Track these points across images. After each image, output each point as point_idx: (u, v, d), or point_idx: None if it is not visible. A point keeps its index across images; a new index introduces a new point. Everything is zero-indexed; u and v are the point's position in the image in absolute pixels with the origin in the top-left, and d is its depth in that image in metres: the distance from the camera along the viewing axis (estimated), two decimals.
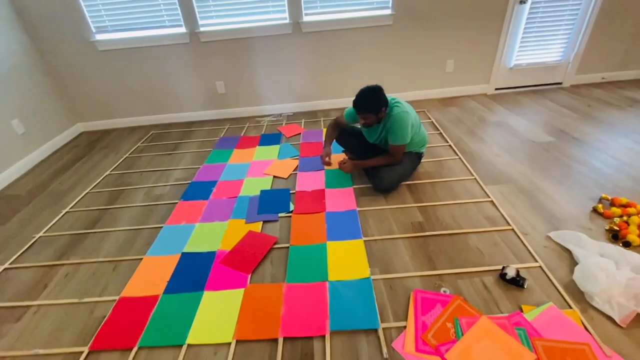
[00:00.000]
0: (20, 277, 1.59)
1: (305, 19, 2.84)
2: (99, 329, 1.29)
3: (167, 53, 2.93)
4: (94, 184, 2.32)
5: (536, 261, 1.43)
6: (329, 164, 2.05)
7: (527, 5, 2.92)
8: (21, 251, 1.74)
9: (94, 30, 2.78)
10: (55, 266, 1.64)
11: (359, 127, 2.05)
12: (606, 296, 1.22)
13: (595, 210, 1.69)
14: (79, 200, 2.15)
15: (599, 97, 3.04)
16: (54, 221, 1.96)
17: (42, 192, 2.29)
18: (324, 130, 2.82)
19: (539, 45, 3.13)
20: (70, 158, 2.76)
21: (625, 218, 1.59)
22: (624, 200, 1.69)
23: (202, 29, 2.82)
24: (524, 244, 1.52)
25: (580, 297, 1.27)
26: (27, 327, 1.34)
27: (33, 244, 1.80)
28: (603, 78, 3.34)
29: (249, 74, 3.09)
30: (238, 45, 2.93)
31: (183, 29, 2.81)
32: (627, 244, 1.46)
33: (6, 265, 1.66)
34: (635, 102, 2.90)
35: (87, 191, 2.24)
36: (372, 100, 1.75)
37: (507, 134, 2.55)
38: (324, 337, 1.19)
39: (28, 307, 1.43)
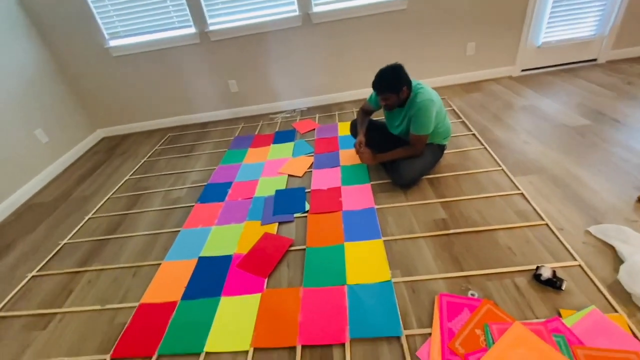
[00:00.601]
0: (47, 284, 1.64)
1: (315, 9, 2.74)
2: (120, 336, 1.30)
3: (178, 54, 2.92)
4: (114, 189, 2.36)
5: (575, 259, 1.30)
6: (360, 152, 1.94)
7: None
8: (47, 258, 1.80)
9: (107, 36, 2.81)
10: (79, 273, 1.67)
11: (382, 119, 1.96)
12: None
13: None
14: (100, 206, 2.20)
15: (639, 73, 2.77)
16: (77, 228, 2.01)
17: (67, 199, 2.36)
18: (339, 124, 2.73)
19: (569, 19, 2.88)
20: (91, 164, 2.83)
21: None
22: None
23: (211, 27, 2.78)
24: (560, 241, 1.39)
25: (627, 299, 1.14)
26: (52, 335, 1.37)
27: (59, 251, 1.86)
28: None
29: (260, 70, 3.04)
30: (248, 42, 2.88)
31: (193, 29, 2.79)
32: None
33: (34, 273, 1.71)
34: None
35: (108, 196, 2.28)
36: (391, 79, 1.66)
37: (536, 118, 2.37)
38: (343, 345, 1.14)
39: (54, 314, 1.46)
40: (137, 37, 2.83)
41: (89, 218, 2.09)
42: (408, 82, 1.68)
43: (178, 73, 3.03)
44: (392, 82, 1.66)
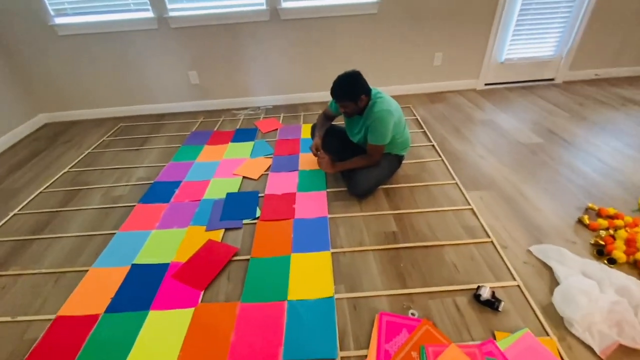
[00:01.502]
0: None
1: (284, 4, 2.64)
2: (28, 354, 1.15)
3: (134, 39, 2.71)
4: (49, 182, 2.14)
5: (514, 279, 1.32)
6: (317, 156, 1.90)
7: None
8: None
9: (52, 13, 2.55)
10: None
11: (343, 125, 1.91)
12: (587, 323, 1.11)
13: (580, 221, 1.58)
14: (30, 201, 1.98)
15: (591, 95, 2.92)
16: None
17: None
18: (303, 126, 2.66)
19: (531, 38, 2.98)
20: (28, 152, 2.56)
21: (611, 232, 1.48)
22: (612, 211, 1.58)
23: (171, 13, 2.60)
24: (503, 259, 1.40)
25: (559, 322, 1.16)
26: None
27: None
28: (596, 75, 3.21)
29: (224, 63, 2.89)
30: (211, 32, 2.72)
31: (150, 14, 2.59)
32: (612, 261, 1.35)
33: None
34: (628, 101, 2.78)
35: (40, 190, 2.06)
36: (349, 87, 1.61)
37: (494, 133, 2.42)
38: None
39: None
40: (87, 17, 2.59)
41: (14, 214, 1.88)
42: (366, 90, 1.64)
43: (133, 59, 2.81)
44: (350, 90, 1.61)
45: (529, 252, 1.44)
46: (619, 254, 1.35)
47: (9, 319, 1.29)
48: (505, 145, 2.26)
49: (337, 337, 1.14)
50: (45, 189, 2.08)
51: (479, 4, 2.76)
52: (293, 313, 1.22)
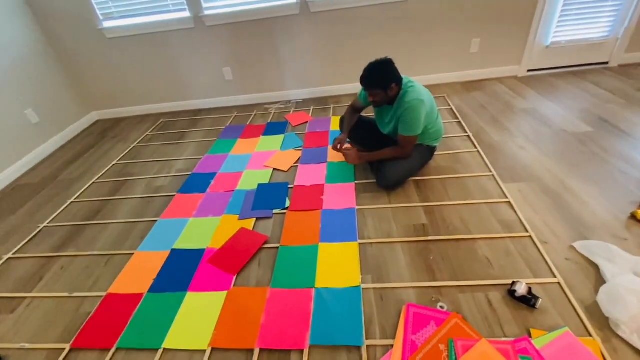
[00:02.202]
0: (21, 268, 1.63)
1: None
2: (82, 326, 1.29)
3: (173, 39, 2.86)
4: (100, 173, 2.35)
5: (554, 276, 1.24)
6: (339, 150, 1.89)
7: None
8: (25, 241, 1.79)
9: (100, 17, 2.76)
10: (53, 258, 1.66)
11: (372, 115, 1.89)
12: (635, 325, 1.03)
13: (634, 216, 1.44)
14: (84, 191, 2.18)
15: None
16: (58, 211, 2.00)
17: (53, 181, 2.35)
18: (332, 118, 2.66)
19: (581, 19, 2.73)
20: (82, 147, 2.81)
21: None
22: None
23: (206, 12, 2.71)
24: (542, 255, 1.33)
25: (604, 323, 1.08)
26: (19, 320, 1.36)
27: (37, 234, 1.85)
28: None
29: (256, 59, 2.96)
30: (244, 28, 2.79)
31: (187, 13, 2.71)
32: None
33: (10, 255, 1.71)
34: None
35: (93, 181, 2.27)
36: (378, 75, 1.58)
37: (536, 123, 2.27)
38: (302, 351, 1.11)
39: (23, 298, 1.46)
40: (131, 19, 2.77)
41: (72, 202, 2.08)
42: (397, 79, 1.60)
43: (172, 58, 2.97)
44: (380, 78, 1.58)
45: (572, 248, 1.35)
46: None
47: (66, 294, 1.45)
48: (549, 135, 2.10)
49: (364, 326, 1.15)
50: (97, 179, 2.28)
51: None
52: (320, 300, 1.25)
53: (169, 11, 2.73)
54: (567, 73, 2.93)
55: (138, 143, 2.73)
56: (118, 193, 2.11)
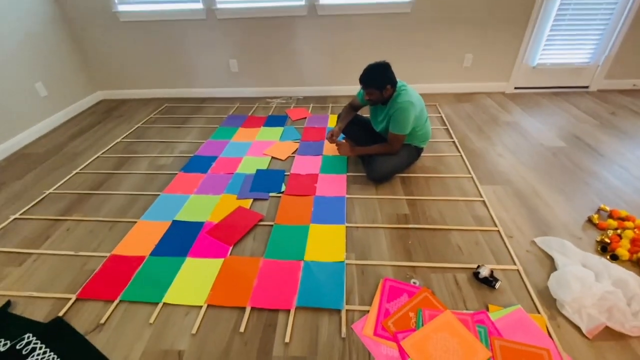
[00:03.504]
0: (27, 227, 1.73)
1: (322, 1, 2.81)
2: (88, 280, 1.40)
3: (184, 28, 2.98)
4: (105, 149, 2.45)
5: (515, 264, 1.41)
6: (333, 142, 2.05)
7: (557, 1, 2.74)
8: (31, 204, 1.89)
9: (116, 0, 2.87)
10: (59, 221, 1.77)
11: (367, 115, 2.05)
12: (577, 305, 1.20)
13: (590, 220, 1.63)
14: (89, 163, 2.28)
15: (626, 105, 2.86)
16: (64, 180, 2.10)
17: (58, 152, 2.44)
18: (330, 116, 2.82)
19: (566, 44, 2.96)
20: (87, 123, 2.91)
21: (619, 231, 1.53)
22: (623, 213, 1.62)
23: (218, 6, 2.84)
24: (506, 246, 1.50)
25: (551, 304, 1.25)
26: (26, 272, 1.47)
27: (43, 199, 1.94)
28: (634, 85, 3.12)
29: (262, 54, 3.11)
30: (253, 24, 2.94)
31: (200, 5, 2.85)
32: (614, 257, 1.41)
33: (16, 216, 1.80)
34: None
35: (97, 155, 2.37)
36: (376, 75, 1.74)
37: (516, 135, 2.47)
38: (289, 311, 1.25)
39: (30, 254, 1.56)
40: (145, 5, 2.89)
41: (76, 173, 2.18)
42: (392, 82, 1.77)
43: (182, 47, 3.09)
44: (377, 79, 1.74)
45: (534, 242, 1.52)
46: (622, 251, 1.41)
47: (72, 252, 1.56)
48: (527, 147, 2.30)
49: (345, 293, 1.29)
50: (102, 154, 2.39)
51: (514, 7, 2.79)
52: (308, 270, 1.39)
53: (183, 1, 2.86)
54: (550, 93, 3.16)
55: (142, 124, 2.84)
56: (122, 168, 2.22)
